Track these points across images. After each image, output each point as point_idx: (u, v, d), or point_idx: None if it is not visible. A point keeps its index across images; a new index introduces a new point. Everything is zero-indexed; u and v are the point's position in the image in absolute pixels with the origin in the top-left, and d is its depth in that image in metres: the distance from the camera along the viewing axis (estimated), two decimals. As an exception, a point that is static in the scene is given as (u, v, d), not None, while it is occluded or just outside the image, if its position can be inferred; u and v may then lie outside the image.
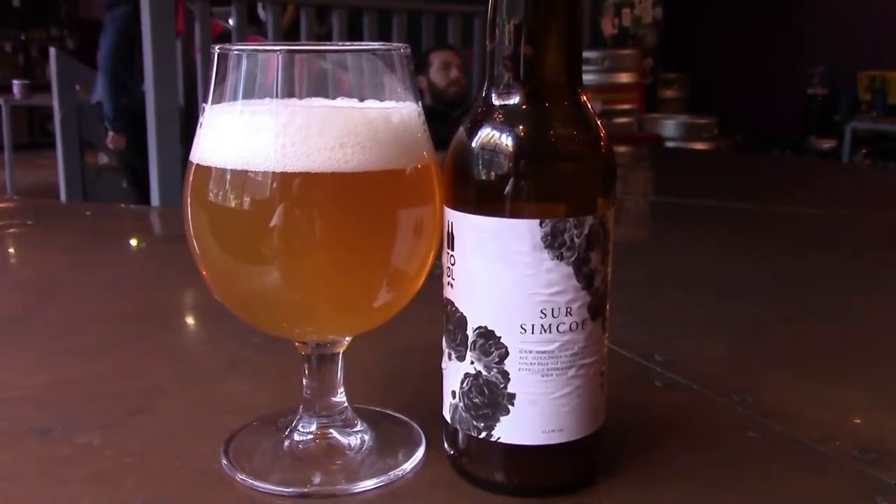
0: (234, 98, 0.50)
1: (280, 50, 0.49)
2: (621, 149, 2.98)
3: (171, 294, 0.98)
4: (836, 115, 5.95)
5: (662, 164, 2.46)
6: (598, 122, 0.50)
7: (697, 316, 0.90)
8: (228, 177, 0.49)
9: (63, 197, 4.32)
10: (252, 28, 3.29)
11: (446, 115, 3.21)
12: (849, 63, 5.93)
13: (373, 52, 0.52)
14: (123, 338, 0.81)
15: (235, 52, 0.50)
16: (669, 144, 5.04)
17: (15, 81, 6.01)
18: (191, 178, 0.52)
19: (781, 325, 0.88)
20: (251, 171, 0.48)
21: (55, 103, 4.24)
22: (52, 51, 4.37)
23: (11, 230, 1.31)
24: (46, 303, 0.93)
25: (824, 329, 0.86)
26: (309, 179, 0.48)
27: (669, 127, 5.42)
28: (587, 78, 5.05)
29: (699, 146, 5.09)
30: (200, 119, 0.52)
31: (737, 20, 6.57)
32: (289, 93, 0.49)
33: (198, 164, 0.51)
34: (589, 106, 0.50)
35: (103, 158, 5.00)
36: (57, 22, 8.97)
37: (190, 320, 0.93)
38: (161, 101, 2.68)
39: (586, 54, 5.24)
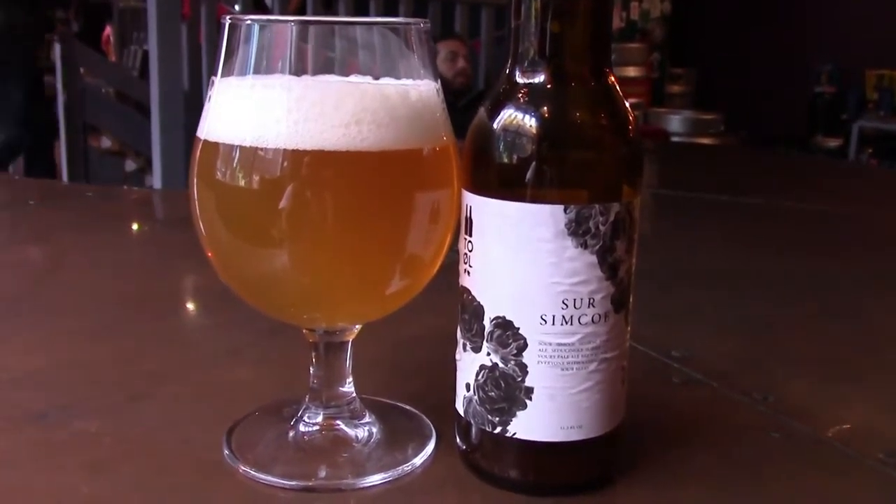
0: (245, 72, 0.48)
1: (294, 21, 0.47)
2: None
3: (174, 278, 0.96)
4: (843, 114, 5.92)
5: (669, 157, 2.44)
6: (626, 105, 0.48)
7: (711, 312, 0.88)
8: (237, 154, 0.47)
9: (65, 181, 4.30)
10: (257, 13, 3.26)
11: (452, 106, 3.18)
12: (857, 61, 5.89)
13: (390, 26, 0.49)
14: (125, 321, 0.79)
15: (247, 23, 0.48)
16: (675, 139, 5.02)
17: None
18: (198, 155, 0.50)
19: (797, 322, 0.85)
20: (261, 149, 0.46)
21: (58, 86, 4.22)
22: (56, 34, 4.33)
23: (13, 210, 1.28)
24: (47, 284, 0.91)
25: (841, 327, 0.84)
26: (322, 158, 0.46)
27: (675, 122, 5.40)
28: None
29: (705, 142, 5.06)
30: (209, 92, 0.50)
31: (745, 16, 6.52)
32: (302, 67, 0.47)
33: (205, 141, 0.49)
34: (617, 87, 0.48)
35: (106, 142, 4.98)
36: (62, 5, 8.92)
37: (193, 305, 0.91)
38: (165, 85, 2.65)
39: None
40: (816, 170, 2.26)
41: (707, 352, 0.73)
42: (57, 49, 4.19)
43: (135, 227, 1.28)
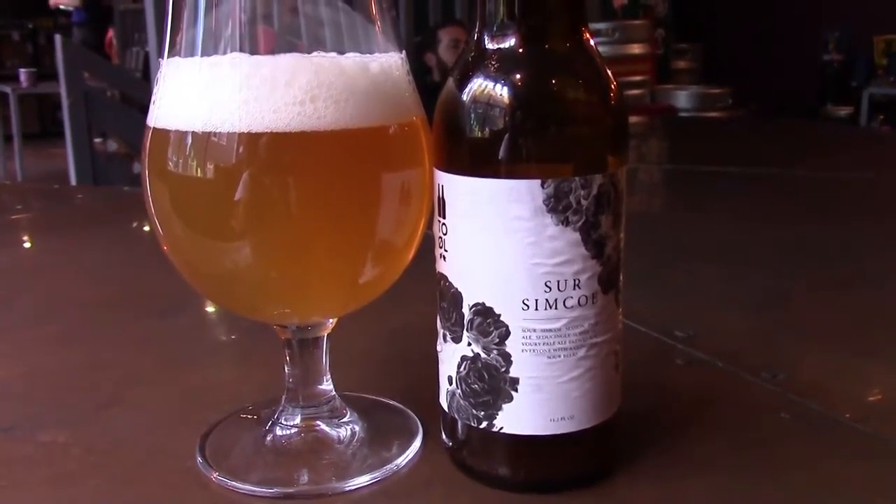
0: (193, 52, 0.44)
1: (242, -6, 0.43)
2: (634, 119, 2.91)
3: (155, 279, 0.92)
4: (852, 81, 5.85)
5: (676, 132, 2.39)
6: (606, 68, 0.44)
7: (718, 288, 0.84)
8: (188, 140, 0.43)
9: (73, 184, 4.29)
10: None
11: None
12: (864, 28, 5.81)
13: (348, -3, 0.45)
14: (101, 325, 0.76)
15: (192, -1, 0.44)
16: (683, 115, 4.96)
17: (21, 70, 5.97)
18: (147, 145, 0.46)
19: (807, 295, 0.81)
20: (212, 133, 0.42)
21: (62, 91, 4.20)
22: (58, 38, 4.32)
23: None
24: (25, 289, 0.88)
25: (853, 298, 0.80)
26: (276, 140, 0.42)
27: (682, 98, 5.34)
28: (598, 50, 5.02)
29: (713, 116, 5.01)
30: (156, 76, 0.46)
31: (749, -13, 6.44)
32: (252, 45, 0.43)
33: (155, 129, 0.46)
34: (595, 48, 0.44)
35: (112, 145, 4.97)
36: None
37: (172, 306, 0.87)
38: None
39: (597, 26, 5.16)
40: (827, 138, 2.20)
41: (713, 330, 0.70)
42: (59, 53, 4.18)
43: (121, 226, 1.25)
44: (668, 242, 1.00)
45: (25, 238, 1.14)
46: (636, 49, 5.32)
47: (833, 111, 5.76)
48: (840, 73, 6.01)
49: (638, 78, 5.19)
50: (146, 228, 1.22)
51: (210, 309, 0.79)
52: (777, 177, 1.44)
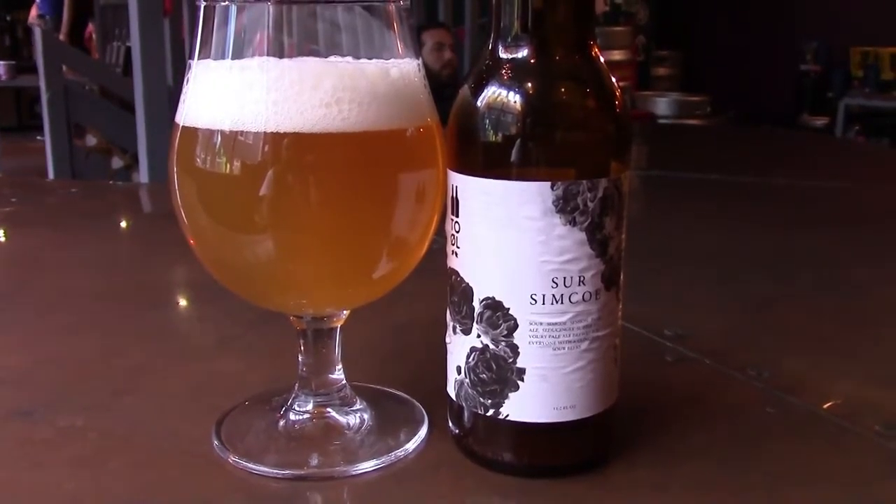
0: (222, 55, 0.47)
1: (271, 2, 0.46)
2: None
3: (160, 271, 0.94)
4: (829, 92, 5.92)
5: (657, 138, 2.43)
6: (612, 79, 0.47)
7: (704, 290, 0.87)
8: (216, 139, 0.46)
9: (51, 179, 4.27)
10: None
11: (438, 95, 3.16)
12: (841, 39, 5.89)
13: (369, 5, 0.48)
14: (110, 316, 0.78)
15: (223, 4, 0.46)
16: (662, 122, 5.01)
17: (0, 62, 5.93)
18: (176, 142, 0.48)
19: (790, 298, 0.85)
20: (240, 132, 0.45)
21: (41, 84, 4.18)
22: (37, 30, 4.29)
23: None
24: (31, 281, 0.90)
25: (835, 302, 0.83)
26: (303, 139, 0.44)
27: (662, 104, 5.40)
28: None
29: (692, 123, 5.06)
30: (186, 76, 0.49)
31: (729, -3, 6.52)
32: (279, 49, 0.46)
33: (184, 126, 0.48)
34: (602, 61, 0.47)
35: (91, 140, 4.94)
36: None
37: (179, 298, 0.90)
38: (149, 81, 2.63)
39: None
40: (804, 147, 2.25)
41: (700, 330, 0.73)
42: (38, 47, 4.16)
43: (120, 220, 1.27)
44: (658, 247, 1.03)
45: (25, 231, 1.15)
46: (617, 55, 5.38)
47: (809, 121, 5.84)
48: (817, 83, 6.09)
49: (618, 84, 5.23)
50: (136, 224, 1.24)
51: (207, 303, 0.81)
52: (756, 184, 1.48)
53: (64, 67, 4.21)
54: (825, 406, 0.58)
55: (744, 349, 0.69)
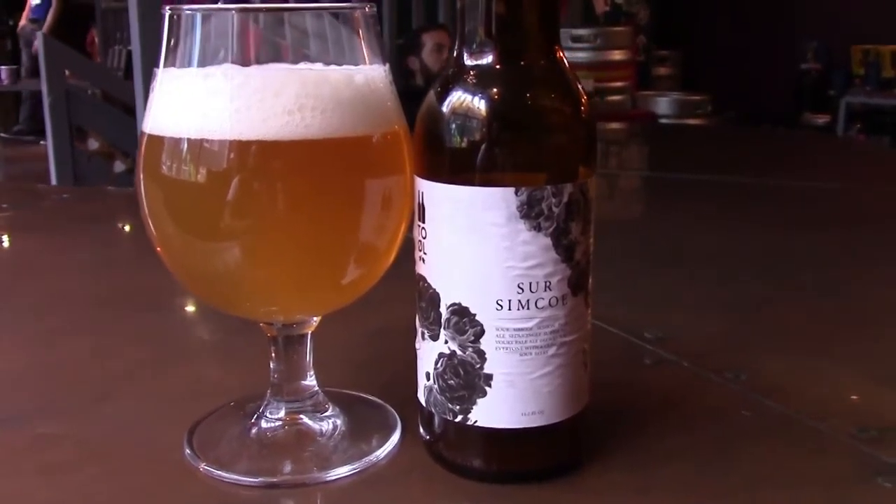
0: (188, 63, 0.47)
1: (235, 10, 0.46)
2: (614, 125, 2.95)
3: (148, 276, 0.94)
4: (829, 90, 5.92)
5: (656, 139, 2.43)
6: (578, 83, 0.47)
7: (690, 292, 0.87)
8: (182, 147, 0.46)
9: (53, 183, 4.27)
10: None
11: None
12: (842, 38, 5.88)
13: (335, 12, 0.48)
14: (94, 321, 0.78)
15: (187, 13, 0.46)
16: (663, 121, 5.01)
17: (1, 67, 5.95)
18: (143, 150, 0.49)
19: (776, 300, 0.84)
20: (205, 140, 0.45)
21: (43, 88, 4.19)
22: (40, 34, 4.31)
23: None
24: (19, 285, 0.90)
25: (820, 304, 0.83)
26: (266, 147, 0.44)
27: (663, 104, 5.39)
28: (580, 56, 5.08)
29: (693, 123, 5.06)
30: (152, 84, 0.49)
31: (729, -4, 6.51)
32: (245, 56, 0.46)
33: (150, 135, 0.48)
34: (567, 65, 0.46)
35: (93, 144, 4.95)
36: (44, 7, 8.85)
37: (164, 303, 0.89)
38: (149, 85, 2.63)
39: (579, 32, 5.20)
40: (804, 147, 2.24)
41: (682, 333, 0.73)
42: (41, 51, 4.17)
43: (111, 225, 1.27)
44: (642, 248, 1.03)
45: (16, 236, 1.15)
46: (617, 55, 5.36)
47: (810, 119, 5.83)
48: (818, 81, 6.08)
49: (619, 84, 5.23)
50: (128, 228, 1.24)
51: (194, 308, 0.81)
52: (753, 186, 1.47)
53: (66, 72, 4.22)
54: (801, 409, 0.58)
55: (724, 352, 0.69)
